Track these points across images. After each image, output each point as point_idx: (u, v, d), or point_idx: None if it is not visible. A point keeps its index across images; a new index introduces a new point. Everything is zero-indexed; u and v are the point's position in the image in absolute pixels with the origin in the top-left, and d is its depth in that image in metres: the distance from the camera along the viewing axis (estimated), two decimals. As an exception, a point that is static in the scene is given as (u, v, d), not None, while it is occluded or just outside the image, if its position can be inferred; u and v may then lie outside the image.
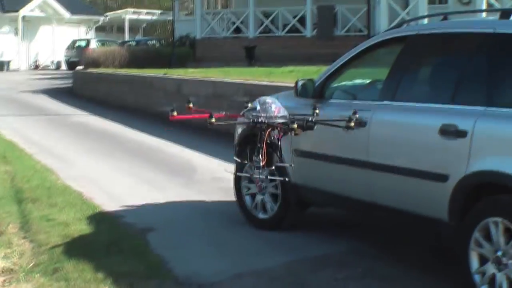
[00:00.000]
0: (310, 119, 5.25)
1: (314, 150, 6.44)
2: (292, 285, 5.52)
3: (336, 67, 6.55)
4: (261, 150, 4.88)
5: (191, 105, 6.20)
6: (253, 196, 7.06)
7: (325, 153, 6.33)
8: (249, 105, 5.77)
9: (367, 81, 6.81)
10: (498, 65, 5.09)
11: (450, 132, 5.11)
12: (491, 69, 5.13)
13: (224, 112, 5.86)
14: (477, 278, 4.93)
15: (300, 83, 6.57)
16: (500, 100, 5.00)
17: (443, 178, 5.10)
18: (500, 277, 4.76)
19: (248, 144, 5.87)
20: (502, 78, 5.08)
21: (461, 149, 5.02)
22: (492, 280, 4.86)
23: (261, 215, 7.07)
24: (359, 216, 6.80)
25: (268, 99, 5.36)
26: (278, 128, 5.19)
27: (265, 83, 13.47)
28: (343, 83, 6.77)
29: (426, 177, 5.25)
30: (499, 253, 4.77)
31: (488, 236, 4.88)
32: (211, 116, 5.28)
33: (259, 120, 5.11)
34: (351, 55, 6.45)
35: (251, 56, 21.58)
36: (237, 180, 7.11)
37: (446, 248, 5.31)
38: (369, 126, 5.79)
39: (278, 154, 5.31)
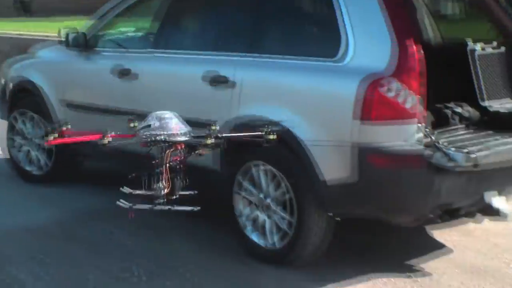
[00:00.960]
0: (218, 135, 4.13)
1: (84, 101, 6.37)
2: (65, 240, 5.48)
3: (107, 17, 6.48)
4: (161, 176, 3.70)
5: (66, 127, 4.50)
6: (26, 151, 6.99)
7: (96, 104, 6.26)
8: (136, 124, 4.57)
9: (138, 31, 6.78)
10: (258, 13, 5.26)
11: (213, 80, 5.23)
12: (251, 17, 5.28)
13: (114, 133, 4.14)
14: (242, 220, 5.13)
15: (71, 35, 6.44)
16: (260, 48, 5.15)
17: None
18: (263, 218, 5.00)
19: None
20: (261, 26, 5.25)
21: (224, 96, 5.16)
22: (256, 222, 5.10)
23: (35, 171, 7.03)
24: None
25: (165, 114, 4.08)
26: (180, 148, 4.02)
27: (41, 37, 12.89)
28: (114, 32, 6.70)
29: (195, 126, 5.34)
30: (262, 196, 4.99)
31: (251, 180, 5.08)
32: (103, 137, 4.07)
33: (158, 139, 3.86)
34: (121, 5, 6.38)
35: (26, 8, 20.51)
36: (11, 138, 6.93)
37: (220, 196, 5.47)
38: (138, 76, 5.79)
39: (182, 179, 4.05)
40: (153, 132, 3.66)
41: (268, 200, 5.05)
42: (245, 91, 5.16)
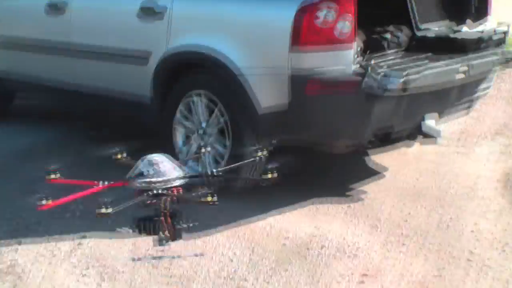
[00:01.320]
0: (215, 173, 3.74)
1: (13, 36, 6.25)
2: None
3: None
4: (161, 225, 3.33)
5: (54, 176, 4.03)
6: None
7: (25, 39, 6.16)
8: (123, 155, 4.18)
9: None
10: None
11: (147, 12, 5.17)
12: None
13: (106, 182, 3.63)
14: (182, 151, 5.16)
15: None
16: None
17: (145, 59, 5.19)
18: (204, 149, 5.03)
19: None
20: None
21: (160, 28, 5.12)
22: (197, 153, 5.15)
23: None
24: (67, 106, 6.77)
25: (155, 158, 3.64)
26: (178, 192, 3.65)
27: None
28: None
29: (131, 61, 5.31)
30: (203, 125, 5.02)
31: (189, 110, 5.10)
32: (100, 207, 3.55)
33: (155, 189, 3.45)
34: None
35: None
36: None
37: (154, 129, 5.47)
38: (69, 10, 5.71)
39: (182, 220, 3.66)
40: (148, 180, 3.24)
41: (205, 128, 5.07)
42: (178, 20, 5.12)
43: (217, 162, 5.05)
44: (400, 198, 5.12)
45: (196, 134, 5.16)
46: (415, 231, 4.63)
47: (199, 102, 5.10)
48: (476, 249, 4.38)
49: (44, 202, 3.07)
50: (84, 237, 4.58)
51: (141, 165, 3.27)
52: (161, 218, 3.10)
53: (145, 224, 3.09)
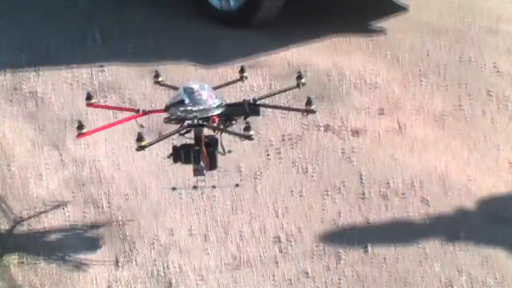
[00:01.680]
0: (252, 101, 3.34)
1: None
2: (24, 8, 5.55)
3: None
4: (201, 154, 3.12)
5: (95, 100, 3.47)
6: None
7: None
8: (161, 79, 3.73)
9: None
10: None
11: None
12: None
13: (142, 110, 3.23)
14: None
15: None
16: None
17: None
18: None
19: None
20: None
21: None
22: None
23: None
24: None
25: (194, 85, 3.32)
26: (216, 121, 3.34)
27: None
28: None
29: None
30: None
31: None
32: (140, 139, 3.07)
33: (192, 116, 3.20)
34: None
35: None
36: None
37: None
38: None
39: (220, 148, 3.33)
40: (188, 109, 3.03)
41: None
42: None
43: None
44: (421, 35, 5.07)
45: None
46: (435, 67, 4.61)
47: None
48: (495, 86, 4.37)
49: (84, 130, 2.99)
50: (103, 66, 4.57)
51: (180, 93, 3.14)
52: (198, 148, 3.02)
53: (183, 153, 3.04)
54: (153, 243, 3.03)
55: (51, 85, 4.38)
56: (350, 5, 5.52)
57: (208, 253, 2.96)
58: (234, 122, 3.25)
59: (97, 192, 3.35)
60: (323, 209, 3.22)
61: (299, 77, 3.24)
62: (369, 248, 2.96)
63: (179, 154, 3.03)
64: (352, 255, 2.93)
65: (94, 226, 3.15)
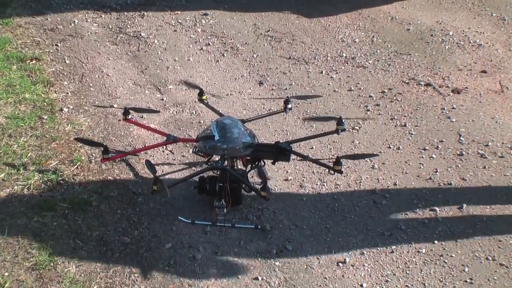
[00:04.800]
0: (283, 145, 3.04)
1: None
2: None
3: None
4: (223, 192, 2.93)
5: (131, 116, 3.40)
6: None
7: None
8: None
9: None
10: None
11: None
12: None
13: (172, 138, 3.06)
14: None
15: None
16: None
17: None
18: None
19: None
20: None
21: None
22: None
23: None
24: None
25: (227, 121, 3.11)
26: (244, 161, 3.13)
27: None
28: None
29: None
30: None
31: None
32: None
33: (220, 154, 2.99)
34: None
35: None
36: None
37: None
38: None
39: (245, 185, 3.07)
40: (215, 145, 2.80)
41: None
42: None
43: None
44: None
45: None
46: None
47: None
48: None
49: (109, 155, 2.90)
50: (206, 12, 4.63)
51: (211, 127, 2.95)
52: (222, 184, 2.85)
53: (208, 185, 2.89)
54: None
55: (155, 28, 4.45)
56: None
57: (303, 200, 2.99)
58: (263, 163, 3.07)
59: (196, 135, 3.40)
60: (420, 165, 3.20)
61: (339, 123, 3.05)
62: (464, 207, 2.94)
63: (205, 186, 2.93)
64: (447, 212, 2.91)
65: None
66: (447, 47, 4.24)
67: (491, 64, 4.09)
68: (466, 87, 3.86)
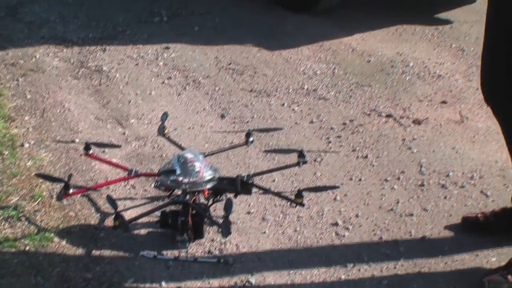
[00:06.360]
0: (245, 178, 3.09)
1: None
2: None
3: None
4: (185, 227, 2.92)
5: (92, 151, 3.34)
6: None
7: None
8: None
9: None
10: None
11: None
12: None
13: (134, 172, 3.03)
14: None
15: None
16: None
17: None
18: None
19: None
20: None
21: None
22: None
23: None
24: None
25: (189, 154, 3.09)
26: (206, 194, 3.13)
27: None
28: None
29: None
30: None
31: None
32: (116, 219, 2.82)
33: (182, 188, 2.97)
34: None
35: None
36: None
37: None
38: None
39: (207, 219, 3.06)
40: (177, 179, 2.83)
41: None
42: None
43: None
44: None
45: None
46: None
47: None
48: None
49: (71, 190, 2.89)
50: (168, 46, 4.64)
51: (173, 161, 2.99)
52: (184, 218, 2.87)
53: (170, 219, 2.91)
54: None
55: (116, 62, 4.45)
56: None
57: (266, 232, 2.99)
58: (224, 197, 3.05)
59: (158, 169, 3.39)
60: (382, 196, 3.23)
61: (300, 156, 3.13)
62: (427, 238, 2.96)
63: (167, 221, 2.92)
64: (409, 243, 2.93)
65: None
66: (407, 78, 4.30)
67: (451, 95, 4.15)
68: (427, 118, 3.91)
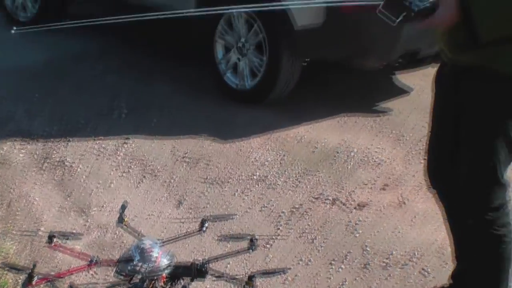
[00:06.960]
0: (200, 264, 3.24)
1: None
2: (54, 80, 5.96)
3: None
4: None
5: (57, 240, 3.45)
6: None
7: None
8: None
9: None
10: None
11: None
12: None
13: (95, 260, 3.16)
14: (222, 66, 5.47)
15: None
16: None
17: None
18: (242, 63, 5.37)
19: None
20: None
21: None
22: (235, 67, 5.52)
23: (22, 16, 7.24)
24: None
25: (146, 242, 3.28)
26: (164, 280, 3.26)
27: None
28: None
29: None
30: (242, 41, 5.28)
31: (231, 26, 5.35)
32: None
33: (140, 275, 3.15)
34: None
35: None
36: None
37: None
38: None
39: None
40: (135, 267, 3.17)
41: (244, 42, 5.34)
42: None
43: (254, 76, 5.34)
44: (423, 115, 5.32)
45: (234, 49, 5.41)
46: (437, 146, 4.88)
47: (237, 19, 5.32)
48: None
49: (35, 279, 3.12)
50: (128, 138, 4.90)
51: (131, 249, 3.27)
52: None
53: None
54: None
55: (79, 155, 4.69)
56: (358, 87, 5.88)
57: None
58: (181, 282, 3.23)
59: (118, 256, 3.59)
60: (329, 278, 3.48)
61: (252, 240, 3.28)
62: (371, 315, 3.19)
63: None
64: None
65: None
66: (351, 164, 4.62)
67: (391, 179, 4.46)
68: (370, 201, 4.21)
